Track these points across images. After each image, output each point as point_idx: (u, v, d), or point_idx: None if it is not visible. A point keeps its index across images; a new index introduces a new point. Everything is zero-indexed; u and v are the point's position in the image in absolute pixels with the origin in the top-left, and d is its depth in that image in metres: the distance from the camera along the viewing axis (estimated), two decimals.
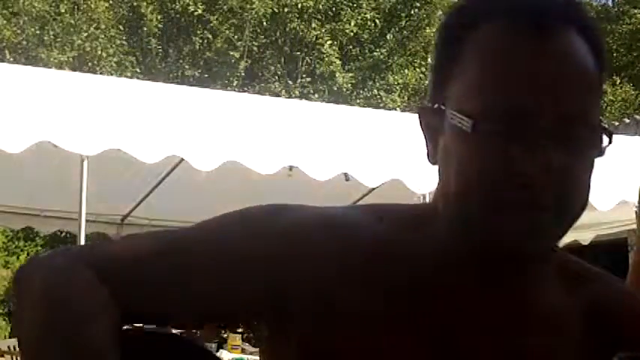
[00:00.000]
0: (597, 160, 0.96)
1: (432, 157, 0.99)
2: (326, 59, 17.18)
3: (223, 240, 0.98)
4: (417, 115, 1.02)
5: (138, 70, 16.43)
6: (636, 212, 1.48)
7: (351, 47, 18.45)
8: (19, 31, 15.83)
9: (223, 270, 0.96)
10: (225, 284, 0.96)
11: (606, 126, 0.93)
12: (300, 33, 17.78)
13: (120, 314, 0.93)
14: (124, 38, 16.95)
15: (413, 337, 0.95)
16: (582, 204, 0.94)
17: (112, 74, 14.06)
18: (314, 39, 17.61)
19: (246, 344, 6.67)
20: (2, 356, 7.72)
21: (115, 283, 0.93)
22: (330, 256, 0.96)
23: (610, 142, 0.93)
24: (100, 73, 13.39)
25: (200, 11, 16.91)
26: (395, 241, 0.98)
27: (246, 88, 15.60)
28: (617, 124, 13.03)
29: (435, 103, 0.98)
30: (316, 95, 16.34)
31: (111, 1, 16.99)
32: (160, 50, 17.64)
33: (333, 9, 18.14)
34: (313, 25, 17.66)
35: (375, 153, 4.99)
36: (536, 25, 0.92)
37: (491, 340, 0.97)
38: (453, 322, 0.96)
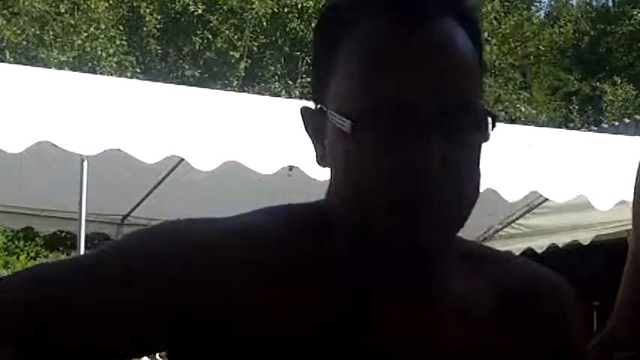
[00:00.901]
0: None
1: (321, 159, 0.97)
2: None
3: (126, 266, 0.93)
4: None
5: (138, 70, 16.44)
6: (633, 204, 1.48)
7: None
8: (19, 31, 15.83)
9: (128, 297, 0.91)
10: (131, 312, 0.91)
11: (489, 109, 0.93)
12: (300, 33, 17.79)
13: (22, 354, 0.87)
14: (124, 38, 16.95)
15: (323, 341, 0.92)
16: (475, 191, 0.93)
17: (112, 74, 14.05)
18: None
19: None
20: None
21: (14, 319, 0.88)
22: (237, 267, 0.93)
23: (494, 126, 0.91)
24: (100, 73, 13.38)
25: (200, 11, 16.92)
26: (298, 246, 0.96)
27: (246, 88, 15.61)
28: (617, 124, 13.03)
29: (317, 104, 0.96)
30: None
31: (111, 1, 16.99)
32: (160, 50, 17.65)
33: None
34: (313, 25, 17.64)
35: None
36: (412, 19, 0.90)
37: (411, 339, 0.94)
38: (363, 325, 0.93)
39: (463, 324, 0.96)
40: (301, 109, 0.99)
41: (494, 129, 0.92)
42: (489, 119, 0.91)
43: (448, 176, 0.89)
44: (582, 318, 1.06)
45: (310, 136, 0.99)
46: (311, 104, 0.99)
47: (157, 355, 7.75)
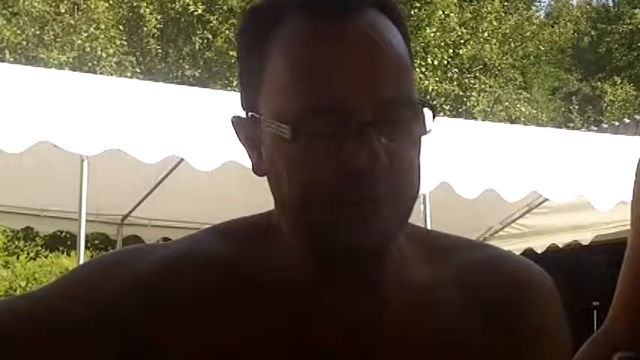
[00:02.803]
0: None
1: (258, 168, 0.96)
2: None
3: (73, 298, 0.94)
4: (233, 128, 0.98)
5: (138, 70, 16.42)
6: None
7: None
8: (19, 31, 15.81)
9: (76, 332, 0.92)
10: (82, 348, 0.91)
11: (425, 100, 0.90)
12: None
13: None
14: (124, 38, 16.94)
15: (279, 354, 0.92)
16: (416, 184, 0.91)
17: (112, 74, 14.05)
18: None
19: None
20: None
21: None
22: (181, 289, 0.94)
23: (434, 116, 0.90)
24: (100, 73, 13.38)
25: (200, 11, 16.89)
26: (239, 256, 0.96)
27: None
28: (617, 124, 13.03)
29: (249, 112, 0.94)
30: None
31: (111, 1, 16.98)
32: (160, 50, 17.64)
33: None
34: None
35: None
36: (338, 13, 0.87)
37: (369, 339, 0.93)
38: (317, 330, 0.93)
39: (414, 320, 0.95)
40: (232, 119, 0.97)
41: (436, 121, 0.90)
42: (428, 110, 0.90)
43: (391, 171, 0.87)
44: (549, 313, 1.01)
45: (244, 145, 0.98)
46: (242, 113, 0.97)
47: None
